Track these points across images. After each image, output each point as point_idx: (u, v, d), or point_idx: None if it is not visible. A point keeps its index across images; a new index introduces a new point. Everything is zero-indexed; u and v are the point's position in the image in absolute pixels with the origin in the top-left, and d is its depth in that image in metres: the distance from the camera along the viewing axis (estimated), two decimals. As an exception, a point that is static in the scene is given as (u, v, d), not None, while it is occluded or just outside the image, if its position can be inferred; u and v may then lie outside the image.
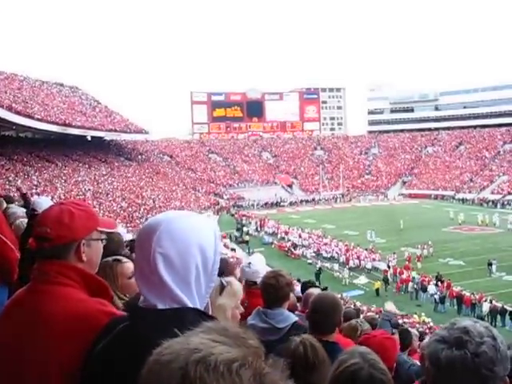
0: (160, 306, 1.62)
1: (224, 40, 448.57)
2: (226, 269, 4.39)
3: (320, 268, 40.41)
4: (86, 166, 73.46)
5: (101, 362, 1.65)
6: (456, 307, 31.76)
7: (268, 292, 3.94)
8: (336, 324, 3.66)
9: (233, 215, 70.77)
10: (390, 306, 5.22)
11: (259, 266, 5.07)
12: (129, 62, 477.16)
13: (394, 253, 42.48)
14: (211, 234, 1.72)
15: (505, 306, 29.46)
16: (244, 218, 66.98)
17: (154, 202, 67.36)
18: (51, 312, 2.00)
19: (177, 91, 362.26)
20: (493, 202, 79.67)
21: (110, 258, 3.35)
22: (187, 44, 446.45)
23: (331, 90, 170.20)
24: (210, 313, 2.30)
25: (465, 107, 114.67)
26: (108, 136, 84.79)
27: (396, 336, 4.50)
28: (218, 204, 80.00)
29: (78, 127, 73.40)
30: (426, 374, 1.64)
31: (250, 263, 5.08)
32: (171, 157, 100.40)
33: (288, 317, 3.85)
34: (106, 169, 77.01)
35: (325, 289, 7.32)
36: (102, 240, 2.29)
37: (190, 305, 1.64)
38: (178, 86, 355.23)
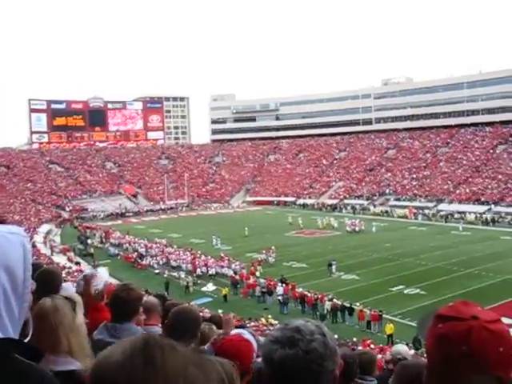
0: None
1: (64, 46, 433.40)
2: (54, 282, 4.19)
3: (167, 278, 40.20)
4: None
5: None
6: (300, 307, 32.97)
7: (117, 306, 3.82)
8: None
9: (76, 227, 68.51)
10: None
11: (97, 277, 4.93)
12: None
13: (238, 260, 43.27)
14: (18, 249, 1.53)
15: (344, 303, 31.12)
16: (88, 229, 65.09)
17: (-11, 215, 63.57)
18: None
19: (13, 98, 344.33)
20: (331, 206, 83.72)
21: None
22: (25, 49, 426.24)
23: (175, 99, 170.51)
24: (29, 336, 2.17)
25: (303, 117, 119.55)
26: None
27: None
28: (61, 216, 77.24)
29: None
30: (263, 375, 1.69)
31: (84, 276, 4.94)
32: (8, 168, 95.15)
33: (136, 331, 3.76)
34: None
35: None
36: None
37: (1, 335, 1.44)
38: (14, 92, 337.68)
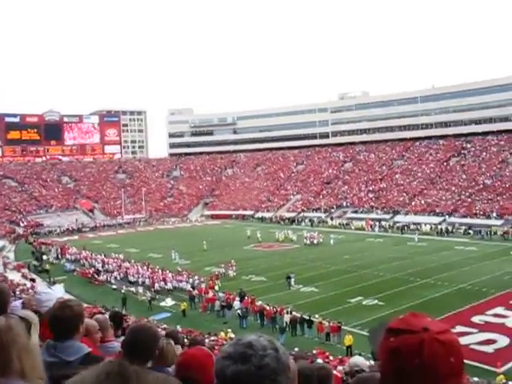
0: None
1: (18, 59, 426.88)
2: (3, 300, 4.10)
3: (125, 293, 39.70)
4: None
5: None
6: (259, 320, 32.91)
7: (53, 323, 3.77)
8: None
9: (31, 243, 67.21)
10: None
11: (45, 295, 4.82)
12: None
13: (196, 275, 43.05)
14: None
15: (303, 316, 31.20)
16: (43, 245, 63.98)
17: None
18: None
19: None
20: (289, 219, 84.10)
21: None
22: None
23: (132, 113, 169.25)
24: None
25: (260, 131, 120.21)
26: None
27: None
28: (15, 232, 75.80)
29: None
30: None
31: (35, 292, 4.84)
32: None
33: (79, 348, 3.69)
34: None
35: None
36: None
37: None
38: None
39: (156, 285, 41.92)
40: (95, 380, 0.97)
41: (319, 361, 19.19)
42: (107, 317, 5.05)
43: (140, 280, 44.15)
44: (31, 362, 2.33)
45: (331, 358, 23.08)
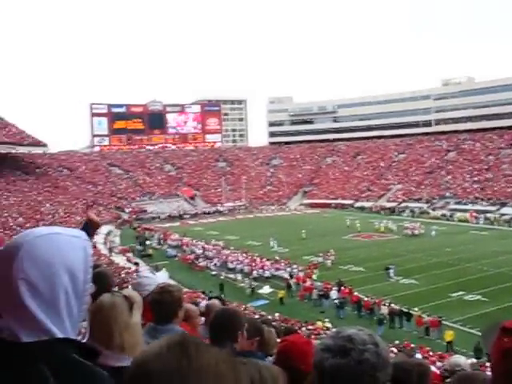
0: (25, 339, 1.43)
1: (124, 52, 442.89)
2: (107, 282, 4.20)
3: (222, 280, 40.45)
4: (-21, 181, 70.49)
5: None
6: (356, 311, 32.62)
7: (153, 307, 3.84)
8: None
9: (135, 229, 69.65)
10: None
11: (146, 279, 4.88)
12: (26, 72, 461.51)
13: (294, 263, 43.16)
14: (80, 252, 1.59)
15: (402, 309, 30.57)
16: (146, 231, 66.13)
17: (53, 216, 65.32)
18: None
19: (76, 103, 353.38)
20: (389, 209, 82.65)
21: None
22: (87, 55, 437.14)
23: (232, 102, 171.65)
24: (87, 336, 2.16)
25: (361, 119, 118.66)
26: (2, 149, 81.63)
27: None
28: (120, 218, 78.68)
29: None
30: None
31: (137, 271, 4.92)
32: (71, 170, 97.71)
33: (178, 332, 3.75)
34: (1, 183, 74.09)
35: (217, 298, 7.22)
36: None
37: (60, 335, 1.47)
38: (77, 97, 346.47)
39: (254, 272, 42.38)
40: (158, 348, 1.03)
41: (418, 356, 18.75)
42: (197, 308, 5.11)
43: (238, 267, 44.76)
44: (132, 338, 2.46)
45: (430, 353, 22.51)
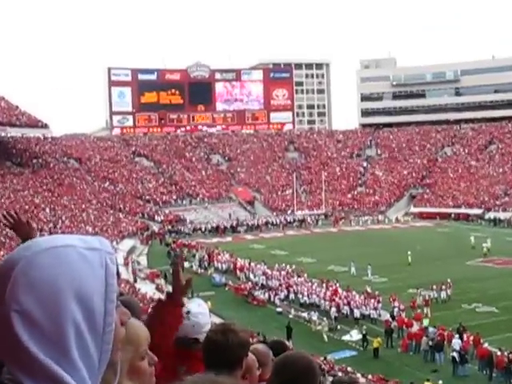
0: None
1: (155, 3, 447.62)
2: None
3: (291, 319, 40.45)
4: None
5: None
6: (485, 370, 32.00)
7: (211, 352, 3.85)
8: None
9: (169, 245, 70.22)
10: None
11: (202, 316, 4.98)
12: (21, 31, 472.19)
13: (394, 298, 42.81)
14: (98, 271, 1.50)
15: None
16: (185, 248, 66.65)
17: (54, 226, 66.60)
18: None
19: (88, 69, 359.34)
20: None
21: None
22: (103, 6, 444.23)
23: (309, 66, 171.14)
24: None
25: (496, 91, 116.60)
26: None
27: None
28: (148, 229, 79.40)
29: None
30: None
31: (188, 312, 4.98)
32: (80, 161, 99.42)
33: None
34: (-15, 178, 76.00)
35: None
36: None
37: (73, 382, 1.41)
38: (90, 60, 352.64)
39: (333, 310, 42.21)
40: None
41: None
42: (268, 350, 5.14)
43: (315, 302, 44.66)
44: None
45: None
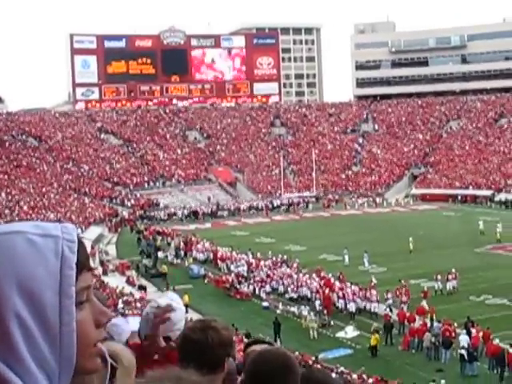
0: None
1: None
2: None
3: (278, 315, 40.45)
4: None
5: None
6: (496, 369, 32.08)
7: (189, 352, 3.77)
8: None
9: (140, 232, 70.08)
10: None
11: (175, 313, 4.89)
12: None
13: (400, 287, 42.95)
14: (50, 259, 1.42)
15: None
16: (159, 236, 66.63)
17: (11, 212, 66.47)
18: None
19: (48, 35, 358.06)
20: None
21: None
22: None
23: (297, 31, 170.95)
24: None
25: (506, 58, 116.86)
26: None
27: None
28: (117, 215, 79.39)
29: None
30: None
31: (158, 307, 4.88)
32: (40, 139, 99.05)
33: None
34: None
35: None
36: None
37: None
38: (50, 26, 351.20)
39: (317, 302, 42.25)
40: None
41: None
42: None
43: (305, 295, 44.72)
44: None
45: None
